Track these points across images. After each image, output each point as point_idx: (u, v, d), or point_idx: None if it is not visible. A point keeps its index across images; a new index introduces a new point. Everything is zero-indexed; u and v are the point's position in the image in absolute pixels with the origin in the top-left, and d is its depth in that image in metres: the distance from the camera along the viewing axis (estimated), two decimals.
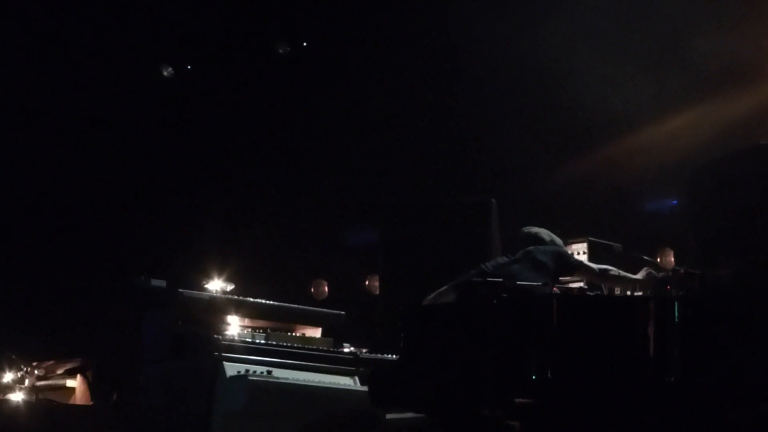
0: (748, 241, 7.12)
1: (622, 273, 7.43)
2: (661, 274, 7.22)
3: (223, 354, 7.80)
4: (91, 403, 8.97)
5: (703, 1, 10.09)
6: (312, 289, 12.82)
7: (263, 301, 8.47)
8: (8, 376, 8.94)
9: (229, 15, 12.13)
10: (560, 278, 7.46)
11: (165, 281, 8.28)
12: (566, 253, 7.70)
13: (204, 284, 8.45)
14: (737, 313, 6.10)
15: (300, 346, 8.24)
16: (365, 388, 7.09)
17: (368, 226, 11.91)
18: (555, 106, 10.87)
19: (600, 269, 7.50)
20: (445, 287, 7.41)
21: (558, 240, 7.72)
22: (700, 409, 6.04)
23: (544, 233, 7.67)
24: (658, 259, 8.95)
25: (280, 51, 12.57)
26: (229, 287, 8.49)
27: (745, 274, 6.62)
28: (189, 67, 12.80)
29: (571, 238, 8.48)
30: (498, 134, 11.20)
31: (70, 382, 9.16)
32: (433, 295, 7.49)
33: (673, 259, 10.07)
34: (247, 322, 8.39)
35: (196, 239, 11.64)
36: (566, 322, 6.07)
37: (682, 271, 6.90)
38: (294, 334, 8.48)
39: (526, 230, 7.74)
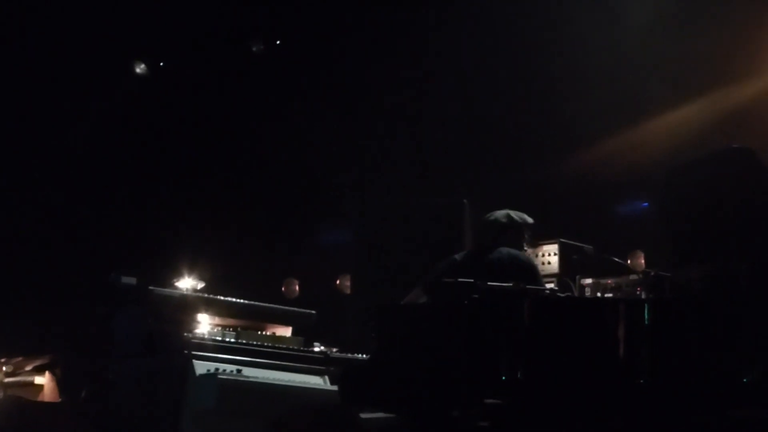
0: (719, 244, 7.14)
1: None
2: (631, 277, 7.24)
3: (193, 352, 7.77)
4: (60, 400, 8.91)
5: (678, 3, 10.15)
6: (283, 288, 12.79)
7: (234, 299, 8.43)
8: None
9: (202, 12, 12.07)
10: None
11: (135, 278, 8.24)
12: (535, 269, 7.64)
13: (175, 282, 8.42)
14: (707, 316, 6.13)
15: (270, 345, 8.22)
16: (335, 388, 7.08)
17: (340, 226, 11.92)
18: (528, 108, 10.89)
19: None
20: (417, 288, 7.42)
21: (518, 219, 7.72)
22: (668, 412, 6.06)
23: (502, 216, 7.68)
24: (629, 261, 8.96)
25: (254, 49, 12.52)
26: (200, 285, 8.47)
27: (715, 278, 6.65)
28: (161, 64, 12.75)
29: (542, 239, 8.49)
30: (471, 135, 11.22)
31: (38, 379, 9.08)
32: (409, 296, 7.49)
33: (643, 261, 10.11)
34: (217, 320, 8.34)
35: (167, 237, 11.59)
36: (537, 323, 6.07)
37: (652, 273, 6.92)
38: (264, 333, 8.45)
39: (487, 218, 7.76)
